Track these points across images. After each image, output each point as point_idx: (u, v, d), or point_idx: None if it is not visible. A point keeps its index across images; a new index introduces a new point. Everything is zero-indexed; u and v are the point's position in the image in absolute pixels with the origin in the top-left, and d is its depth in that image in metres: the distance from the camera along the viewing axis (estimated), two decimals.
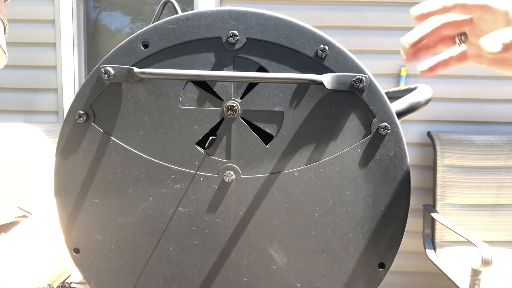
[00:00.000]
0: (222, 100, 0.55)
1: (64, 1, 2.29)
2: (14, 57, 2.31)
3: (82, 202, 0.56)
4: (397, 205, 0.54)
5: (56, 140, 1.70)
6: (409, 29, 2.23)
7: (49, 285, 0.87)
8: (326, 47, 0.52)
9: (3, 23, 0.94)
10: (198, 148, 0.55)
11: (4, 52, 0.98)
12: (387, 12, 2.24)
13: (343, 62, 0.53)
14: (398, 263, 2.38)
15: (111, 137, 0.55)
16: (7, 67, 0.98)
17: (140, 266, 0.57)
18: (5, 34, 0.97)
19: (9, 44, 1.85)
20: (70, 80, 2.34)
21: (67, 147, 0.55)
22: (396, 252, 0.56)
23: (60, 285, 0.87)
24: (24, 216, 1.09)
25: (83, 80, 2.40)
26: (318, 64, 0.53)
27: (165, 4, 0.67)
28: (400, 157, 0.54)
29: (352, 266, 0.56)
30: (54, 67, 2.33)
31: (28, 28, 2.26)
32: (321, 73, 0.52)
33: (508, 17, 0.44)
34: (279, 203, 0.55)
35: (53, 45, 2.31)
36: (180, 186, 0.55)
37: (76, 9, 2.34)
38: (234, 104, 0.54)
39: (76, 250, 0.57)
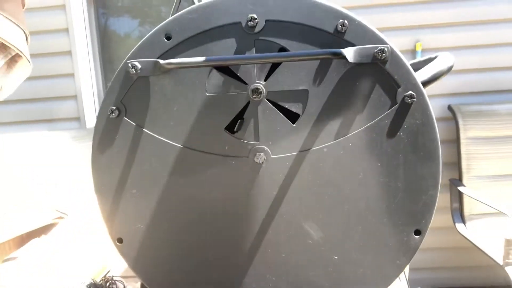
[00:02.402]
0: (246, 84, 0.56)
1: (75, 9, 2.34)
2: (32, 68, 2.37)
3: (121, 193, 0.58)
4: (428, 171, 0.55)
5: (83, 144, 1.74)
6: (419, 3, 2.19)
7: (93, 279, 0.90)
8: (346, 21, 0.53)
9: (24, 32, 0.97)
10: (227, 132, 0.57)
11: (29, 61, 1.01)
12: None
13: (364, 35, 0.53)
14: (428, 239, 2.36)
15: (144, 129, 0.57)
16: (27, 78, 1.02)
17: (182, 250, 0.59)
18: (27, 43, 1.01)
19: None
20: (88, 85, 2.40)
21: (103, 142, 0.58)
22: (431, 218, 0.56)
23: (103, 279, 0.91)
24: (61, 217, 1.14)
25: (101, 84, 2.45)
26: (338, 39, 0.53)
27: None
28: (427, 124, 0.54)
29: (388, 235, 0.57)
30: (71, 75, 2.38)
31: (43, 39, 2.32)
32: (342, 47, 0.53)
33: None
34: (311, 179, 0.56)
35: (69, 53, 2.37)
36: (213, 171, 0.57)
37: (88, 16, 2.38)
38: (259, 87, 0.55)
39: (120, 240, 0.60)
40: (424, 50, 2.23)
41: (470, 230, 2.08)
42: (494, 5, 2.18)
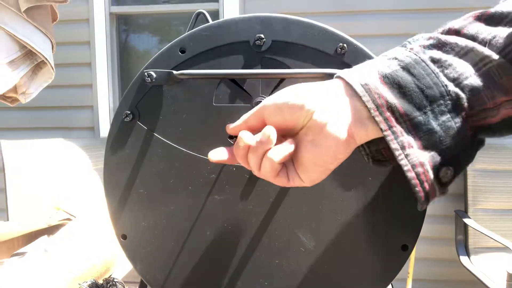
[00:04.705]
0: (251, 96, 0.60)
1: (98, 24, 2.45)
2: (54, 77, 2.48)
3: (129, 192, 0.62)
4: None
5: (92, 153, 1.80)
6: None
7: (95, 279, 0.94)
8: (345, 45, 0.58)
9: (51, 41, 1.05)
10: (231, 141, 0.61)
11: (52, 67, 1.08)
12: (407, 20, 2.26)
13: (361, 58, 0.58)
14: (431, 270, 2.34)
15: (154, 134, 0.62)
16: (47, 87, 1.09)
17: (180, 249, 0.62)
18: (52, 51, 1.08)
19: None
20: (104, 97, 2.49)
21: (115, 144, 0.62)
22: (418, 234, 0.59)
23: (104, 280, 0.94)
24: (68, 219, 1.18)
25: (117, 97, 2.54)
26: (338, 60, 0.58)
27: (198, 15, 0.74)
28: None
29: (376, 249, 0.59)
30: (90, 85, 2.48)
31: (66, 50, 2.42)
32: (341, 68, 0.57)
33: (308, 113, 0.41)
34: (306, 189, 0.60)
35: (89, 65, 2.47)
36: (216, 176, 0.61)
37: (110, 31, 2.49)
38: (262, 100, 0.59)
39: (124, 236, 0.63)
40: None
41: (475, 264, 2.05)
42: None
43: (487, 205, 2.18)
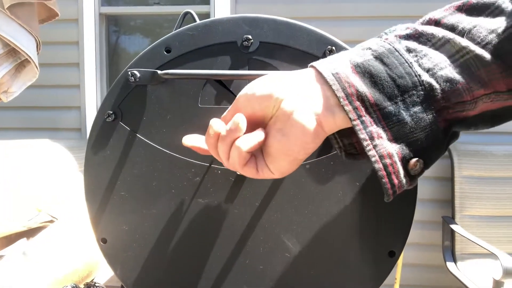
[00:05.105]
0: None
1: (88, 25, 2.42)
2: (41, 77, 2.43)
3: (110, 195, 0.60)
4: (405, 193, 0.57)
5: (79, 155, 1.77)
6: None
7: (76, 284, 0.91)
8: (333, 48, 0.57)
9: (36, 39, 1.03)
10: None
11: (36, 67, 1.06)
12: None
13: None
14: (418, 276, 2.34)
15: (137, 135, 0.60)
16: (34, 86, 1.06)
17: (162, 254, 0.61)
18: (38, 51, 1.06)
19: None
20: (92, 98, 2.45)
21: (97, 144, 0.61)
22: (405, 240, 0.58)
23: (86, 284, 0.92)
24: (51, 221, 1.15)
25: None
26: None
27: (185, 14, 0.73)
28: None
29: (363, 254, 0.58)
30: (77, 86, 2.44)
31: (54, 49, 2.39)
32: None
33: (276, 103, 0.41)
34: (292, 194, 0.59)
35: (77, 65, 2.44)
36: (200, 178, 0.59)
37: (99, 32, 2.46)
38: None
39: (104, 240, 0.61)
40: None
41: (461, 270, 2.06)
42: None
43: (474, 212, 2.19)
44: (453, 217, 2.20)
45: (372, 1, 2.26)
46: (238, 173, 0.54)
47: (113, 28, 2.60)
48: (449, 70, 0.38)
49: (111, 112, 0.60)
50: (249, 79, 0.57)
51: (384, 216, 0.57)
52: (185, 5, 2.47)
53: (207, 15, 2.39)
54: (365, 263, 0.58)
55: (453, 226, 2.11)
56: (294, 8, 2.30)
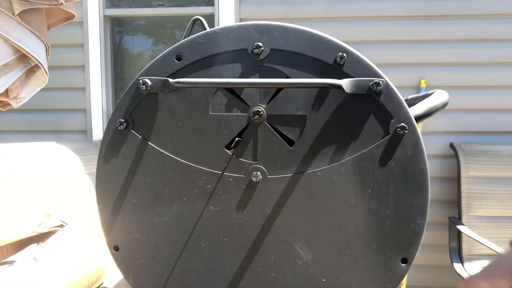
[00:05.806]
0: (248, 106, 0.59)
1: (93, 27, 2.43)
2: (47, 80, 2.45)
3: (121, 202, 0.61)
4: (417, 201, 0.57)
5: (84, 157, 1.77)
6: (425, 41, 2.25)
7: None
8: (344, 54, 0.57)
9: (45, 45, 1.03)
10: (227, 151, 0.60)
11: (46, 72, 1.06)
12: (405, 26, 2.28)
13: (361, 68, 0.57)
14: (425, 277, 2.33)
15: (148, 142, 0.60)
16: (40, 89, 1.07)
17: (175, 262, 0.61)
18: (47, 56, 1.06)
19: None
20: (98, 100, 2.46)
21: (109, 152, 0.61)
22: (418, 247, 0.58)
23: None
24: (61, 226, 1.16)
25: (110, 100, 2.51)
26: (337, 70, 0.57)
27: (194, 21, 0.73)
28: (418, 155, 0.56)
29: (375, 261, 0.58)
30: (83, 88, 2.45)
31: (59, 52, 2.39)
32: (340, 78, 0.56)
33: None
34: (304, 201, 0.58)
35: (82, 67, 2.44)
36: (211, 186, 0.60)
37: (104, 34, 2.47)
38: (260, 109, 0.58)
39: (116, 248, 0.62)
40: (428, 87, 2.28)
41: (469, 271, 2.05)
42: (500, 48, 2.24)
43: (480, 212, 2.18)
44: (459, 218, 2.19)
45: (378, 1, 2.26)
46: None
47: (117, 30, 2.61)
48: None
49: (123, 120, 0.60)
50: (260, 87, 0.57)
51: (397, 225, 0.57)
52: (189, 6, 2.47)
53: (211, 17, 2.39)
54: (377, 271, 0.58)
55: (459, 227, 2.10)
56: (298, 9, 2.30)
